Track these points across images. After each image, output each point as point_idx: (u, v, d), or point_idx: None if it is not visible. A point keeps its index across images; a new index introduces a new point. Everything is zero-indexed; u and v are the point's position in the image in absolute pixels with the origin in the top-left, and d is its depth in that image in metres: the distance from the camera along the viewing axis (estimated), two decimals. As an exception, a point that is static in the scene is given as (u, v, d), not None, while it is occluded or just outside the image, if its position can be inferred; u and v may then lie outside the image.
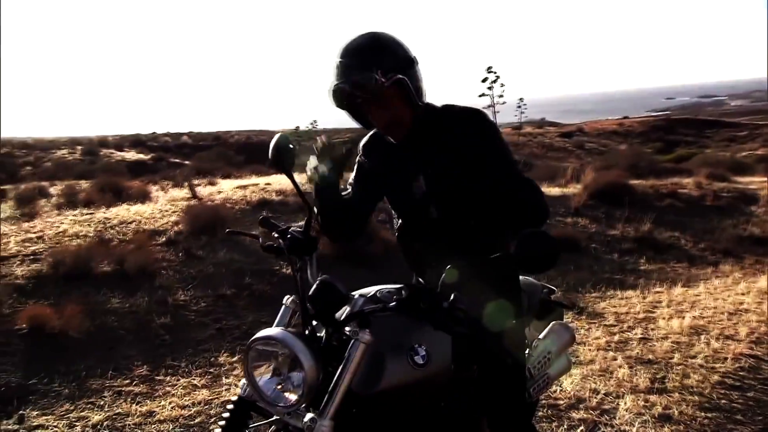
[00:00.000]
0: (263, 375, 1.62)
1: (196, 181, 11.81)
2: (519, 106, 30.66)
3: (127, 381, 4.31)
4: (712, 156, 24.79)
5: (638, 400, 3.41)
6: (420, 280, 2.12)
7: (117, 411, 3.76)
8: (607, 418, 3.25)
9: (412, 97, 1.85)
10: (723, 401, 3.45)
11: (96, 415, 3.70)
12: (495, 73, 27.32)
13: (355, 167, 2.15)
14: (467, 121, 1.89)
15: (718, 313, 5.05)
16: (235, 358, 4.75)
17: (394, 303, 1.57)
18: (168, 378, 4.36)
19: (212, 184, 11.93)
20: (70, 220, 8.11)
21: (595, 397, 3.47)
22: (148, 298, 5.77)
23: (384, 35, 1.86)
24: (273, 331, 1.62)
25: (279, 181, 11.26)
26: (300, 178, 2.16)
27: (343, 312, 1.66)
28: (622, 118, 67.37)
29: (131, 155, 31.55)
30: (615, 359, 4.04)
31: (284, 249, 1.90)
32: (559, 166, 18.11)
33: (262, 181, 11.54)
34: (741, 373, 3.83)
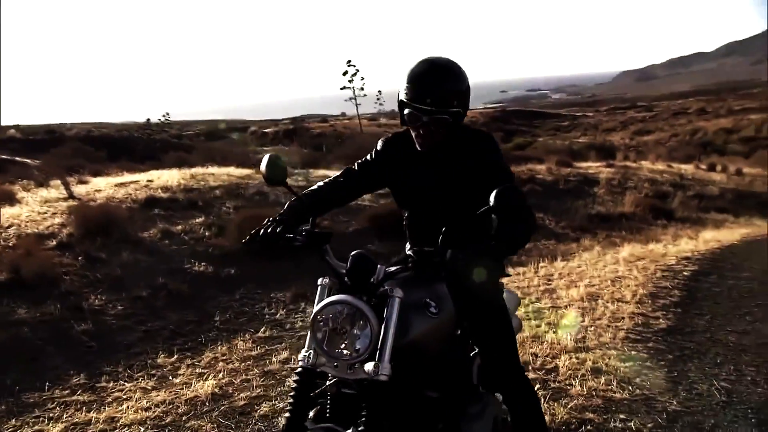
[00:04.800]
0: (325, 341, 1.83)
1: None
2: (378, 98, 31.18)
3: (67, 391, 4.04)
4: (551, 144, 27.40)
5: (571, 358, 3.93)
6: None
7: (74, 420, 3.54)
8: (553, 375, 3.72)
9: (458, 125, 2.11)
10: (633, 352, 4.09)
11: (53, 427, 3.45)
12: (355, 66, 27.49)
13: (368, 156, 2.37)
14: (480, 143, 2.18)
15: (604, 281, 5.85)
16: (174, 358, 4.61)
17: (410, 264, 1.92)
18: (111, 384, 4.14)
19: (83, 182, 10.99)
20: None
21: (537, 360, 3.94)
22: (59, 305, 5.34)
23: (458, 68, 2.08)
24: (339, 296, 1.83)
25: (160, 178, 10.72)
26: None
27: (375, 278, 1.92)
28: (465, 109, 71.51)
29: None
30: (539, 326, 4.56)
31: (302, 244, 2.15)
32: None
33: (142, 177, 10.87)
34: (638, 329, 4.54)
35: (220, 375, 4.09)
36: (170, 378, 4.21)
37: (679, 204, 12.58)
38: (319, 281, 2.02)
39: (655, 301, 5.22)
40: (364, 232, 8.75)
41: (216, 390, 3.83)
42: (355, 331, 1.79)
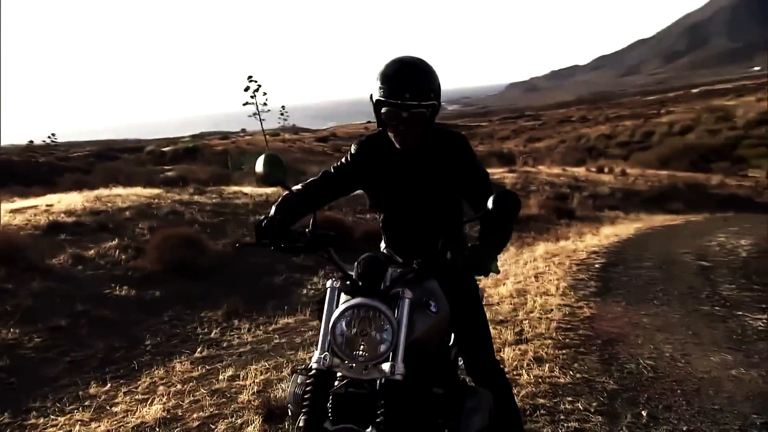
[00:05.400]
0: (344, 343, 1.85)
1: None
2: (282, 113, 30.88)
3: (-8, 432, 3.69)
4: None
5: (515, 350, 4.13)
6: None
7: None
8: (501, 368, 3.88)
9: (433, 120, 2.20)
10: (566, 340, 4.36)
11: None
12: (256, 81, 27.05)
13: (343, 159, 2.40)
14: (454, 141, 2.28)
15: (528, 278, 6.18)
16: (108, 387, 4.35)
17: (416, 267, 1.98)
18: (41, 420, 3.85)
19: (-32, 209, 10.04)
20: None
21: (483, 354, 4.10)
22: (-33, 341, 4.86)
23: (429, 65, 2.16)
24: (360, 300, 1.84)
25: (60, 201, 10.03)
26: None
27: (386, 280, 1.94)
28: (366, 122, 72.67)
29: None
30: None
31: (307, 247, 2.14)
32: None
33: (39, 202, 10.12)
34: (566, 318, 4.84)
35: (164, 399, 3.91)
36: (108, 407, 3.96)
37: (578, 204, 13.51)
38: (329, 284, 2.01)
39: (576, 292, 5.60)
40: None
41: (164, 414, 3.65)
42: (374, 333, 1.81)
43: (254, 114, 29.09)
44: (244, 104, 29.10)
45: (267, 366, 4.33)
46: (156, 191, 11.31)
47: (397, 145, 2.24)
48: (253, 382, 3.98)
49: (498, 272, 2.17)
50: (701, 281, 6.29)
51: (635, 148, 35.40)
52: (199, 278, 7.03)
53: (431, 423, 1.98)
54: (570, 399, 3.41)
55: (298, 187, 2.35)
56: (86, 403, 4.08)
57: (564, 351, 4.14)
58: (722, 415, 3.24)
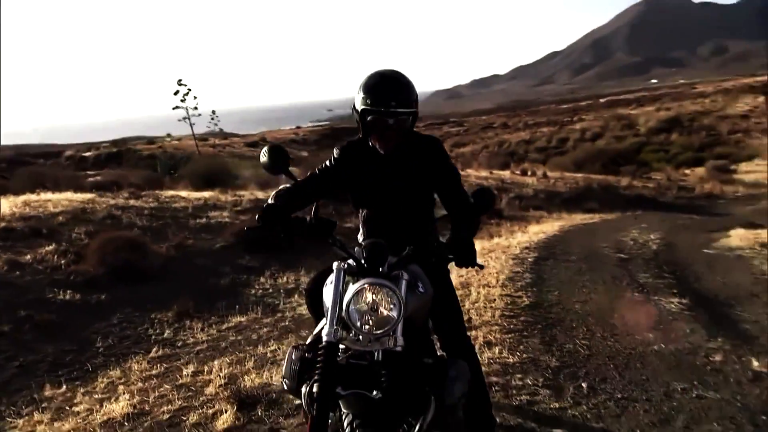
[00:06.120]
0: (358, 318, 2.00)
1: None
2: (213, 118, 30.23)
3: (-53, 441, 3.53)
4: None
5: (465, 335, 4.38)
6: (357, 248, 2.48)
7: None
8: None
9: (413, 126, 2.40)
10: (511, 326, 4.66)
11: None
12: (186, 85, 26.32)
13: (327, 162, 2.54)
14: (430, 144, 2.49)
15: (469, 271, 6.44)
16: (63, 389, 4.25)
17: (409, 252, 2.15)
18: (-1, 424, 3.71)
19: None
20: None
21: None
22: None
23: (408, 77, 2.36)
24: (373, 279, 2.01)
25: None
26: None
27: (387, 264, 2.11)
28: (296, 127, 72.20)
29: None
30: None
31: (311, 231, 2.29)
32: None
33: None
34: (509, 306, 5.15)
35: (128, 396, 3.87)
36: (68, 408, 3.90)
37: (506, 204, 14.13)
38: (335, 265, 2.13)
39: (515, 284, 5.94)
40: (230, 247, 8.57)
41: (131, 409, 3.63)
42: (384, 310, 1.97)
43: (185, 118, 28.34)
44: (174, 108, 28.26)
45: (229, 361, 4.37)
46: (88, 196, 10.85)
47: (381, 150, 2.43)
48: (218, 376, 4.01)
49: (483, 267, 2.38)
50: (621, 271, 6.82)
51: (552, 152, 37.28)
52: (145, 281, 6.88)
53: (421, 389, 2.16)
54: (519, 376, 3.68)
55: (288, 186, 2.47)
56: (44, 405, 3.99)
57: (510, 335, 4.43)
58: (649, 384, 3.61)
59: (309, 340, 2.37)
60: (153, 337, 5.43)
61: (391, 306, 1.98)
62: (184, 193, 12.30)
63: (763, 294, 5.77)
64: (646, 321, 4.87)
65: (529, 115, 67.90)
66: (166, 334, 5.45)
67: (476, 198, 2.42)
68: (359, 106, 2.32)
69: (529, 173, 20.27)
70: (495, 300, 5.31)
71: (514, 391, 3.47)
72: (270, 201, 2.37)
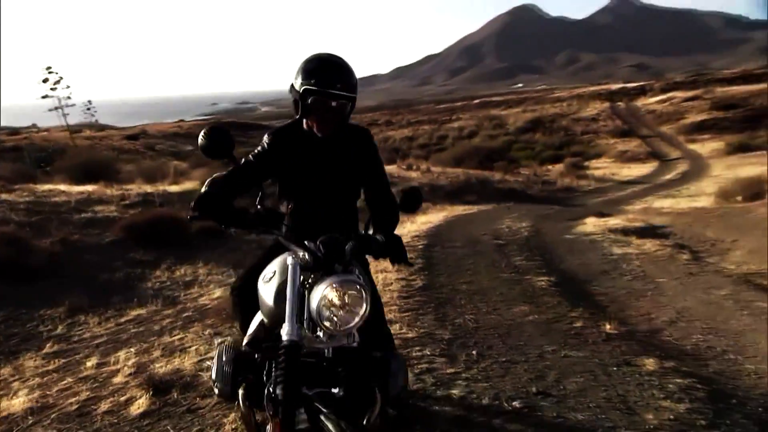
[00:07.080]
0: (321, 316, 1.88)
1: None
2: (88, 108, 28.00)
3: None
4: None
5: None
6: (306, 242, 2.15)
7: None
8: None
9: (350, 113, 2.37)
10: (408, 305, 4.93)
11: None
12: (57, 73, 24.13)
13: (259, 148, 2.40)
14: (362, 134, 2.50)
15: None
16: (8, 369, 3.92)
17: (353, 246, 2.02)
18: None
19: None
20: None
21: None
22: None
23: (348, 62, 2.31)
24: (341, 277, 1.89)
25: None
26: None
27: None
28: (178, 121, 68.63)
29: None
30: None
31: (258, 224, 2.07)
32: (155, 167, 17.98)
33: None
34: (405, 288, 5.45)
35: (26, 391, 3.68)
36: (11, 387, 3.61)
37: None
38: (289, 261, 1.98)
39: (408, 268, 6.29)
40: (121, 242, 8.17)
41: (32, 404, 3.45)
42: (351, 307, 1.88)
43: (56, 108, 25.95)
44: (42, 97, 25.79)
45: (134, 351, 4.26)
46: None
47: (318, 133, 2.33)
48: (125, 366, 3.91)
49: (413, 265, 2.45)
50: (499, 255, 7.43)
51: (433, 149, 38.87)
52: (30, 278, 6.40)
53: (369, 384, 2.06)
54: (418, 348, 3.98)
55: (224, 173, 2.29)
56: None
57: (407, 313, 4.73)
58: (526, 348, 4.05)
59: (246, 341, 2.26)
60: (45, 333, 5.12)
61: (359, 303, 1.89)
62: (63, 187, 11.43)
63: (611, 271, 6.62)
64: (522, 297, 5.41)
65: (410, 113, 69.95)
66: (59, 330, 5.15)
67: (405, 198, 2.34)
68: (300, 87, 2.24)
69: (414, 168, 21.03)
70: (392, 283, 5.60)
71: (415, 361, 3.75)
72: (205, 188, 2.17)
